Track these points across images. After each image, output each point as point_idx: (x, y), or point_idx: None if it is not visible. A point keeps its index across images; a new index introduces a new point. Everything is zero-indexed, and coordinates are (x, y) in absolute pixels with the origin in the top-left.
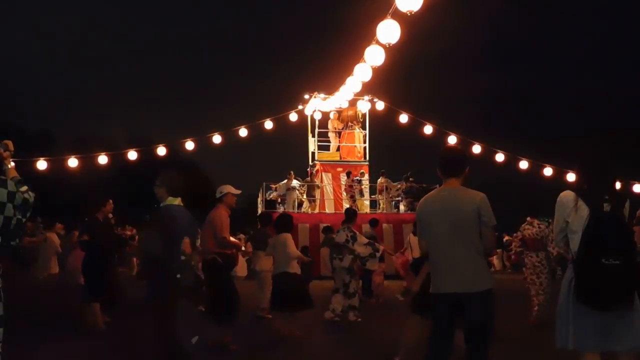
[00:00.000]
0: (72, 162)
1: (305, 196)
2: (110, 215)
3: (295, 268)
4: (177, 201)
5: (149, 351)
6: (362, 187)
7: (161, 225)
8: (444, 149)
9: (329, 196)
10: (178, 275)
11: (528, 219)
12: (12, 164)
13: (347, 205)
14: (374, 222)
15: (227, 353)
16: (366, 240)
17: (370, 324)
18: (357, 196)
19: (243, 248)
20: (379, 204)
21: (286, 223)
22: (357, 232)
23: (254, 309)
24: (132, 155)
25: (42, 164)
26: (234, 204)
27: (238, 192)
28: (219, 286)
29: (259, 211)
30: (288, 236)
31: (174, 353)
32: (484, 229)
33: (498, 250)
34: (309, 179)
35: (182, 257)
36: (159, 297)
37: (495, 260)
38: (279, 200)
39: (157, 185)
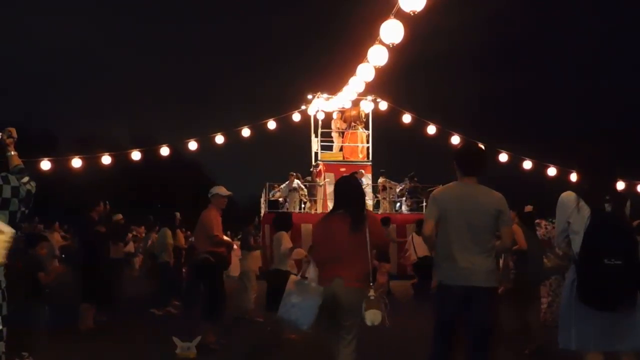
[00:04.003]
0: (76, 163)
1: (307, 196)
2: (120, 217)
3: (288, 266)
4: None
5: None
6: (363, 186)
7: None
8: (465, 146)
9: (331, 196)
10: None
11: (535, 220)
12: (15, 152)
13: None
14: (385, 221)
15: (212, 353)
16: None
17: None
18: None
19: (235, 247)
20: (381, 204)
21: (282, 221)
22: None
23: (236, 309)
24: (136, 155)
25: (45, 164)
26: (224, 205)
27: (227, 193)
28: (211, 286)
29: (262, 211)
30: (282, 234)
31: None
32: (505, 227)
33: None
34: (309, 178)
35: None
36: None
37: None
38: (283, 200)
39: None
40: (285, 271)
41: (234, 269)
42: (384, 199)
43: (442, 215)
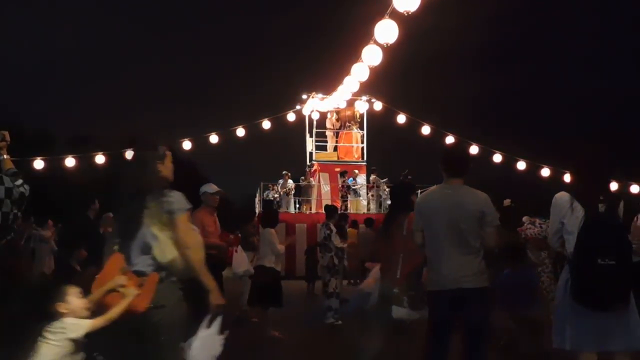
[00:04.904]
0: (70, 162)
1: (294, 195)
2: (111, 215)
3: (272, 263)
4: None
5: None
6: (358, 187)
7: None
8: (449, 148)
9: (326, 196)
10: None
11: (529, 218)
12: (7, 155)
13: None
14: (369, 222)
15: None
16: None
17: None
18: (352, 196)
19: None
20: (369, 204)
21: (269, 218)
22: (334, 229)
23: (234, 309)
24: (130, 155)
25: (39, 164)
26: (215, 203)
27: (216, 190)
28: (203, 286)
29: (257, 211)
30: (271, 232)
31: None
32: (489, 228)
33: None
34: (303, 177)
35: None
36: None
37: None
38: (277, 200)
39: None
40: (270, 267)
41: (240, 265)
42: (372, 196)
43: (427, 222)
